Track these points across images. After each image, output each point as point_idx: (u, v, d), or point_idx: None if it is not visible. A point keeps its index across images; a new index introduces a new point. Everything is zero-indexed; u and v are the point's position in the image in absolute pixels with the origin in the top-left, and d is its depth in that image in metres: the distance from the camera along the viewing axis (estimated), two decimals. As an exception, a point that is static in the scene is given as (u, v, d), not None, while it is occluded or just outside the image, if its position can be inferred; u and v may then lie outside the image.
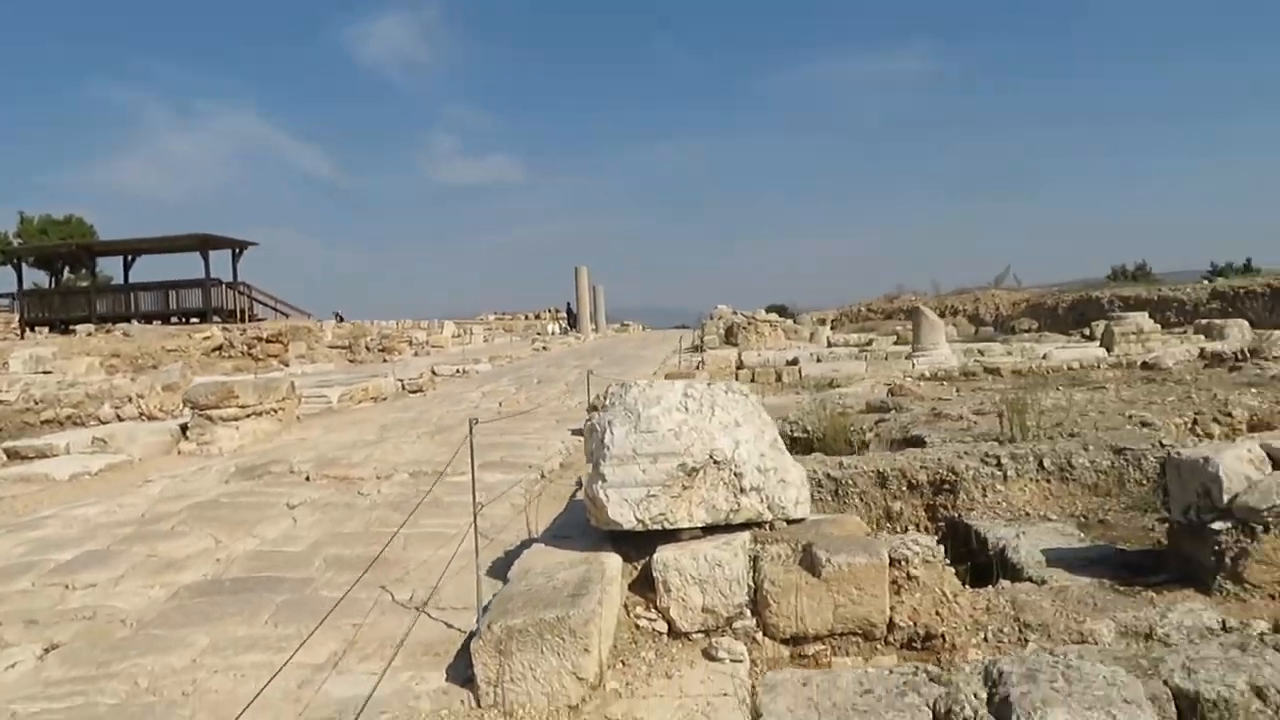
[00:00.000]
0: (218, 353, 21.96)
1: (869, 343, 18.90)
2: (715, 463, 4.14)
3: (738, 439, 4.24)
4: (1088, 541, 5.26)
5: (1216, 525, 4.09)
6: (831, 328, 26.62)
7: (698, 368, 13.45)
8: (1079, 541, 5.24)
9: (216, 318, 27.22)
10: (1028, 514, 5.96)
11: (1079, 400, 9.22)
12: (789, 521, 4.41)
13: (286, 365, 20.85)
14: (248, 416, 9.81)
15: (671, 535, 4.19)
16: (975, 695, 2.29)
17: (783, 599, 4.02)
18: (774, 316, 21.25)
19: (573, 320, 39.84)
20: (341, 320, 29.12)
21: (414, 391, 14.53)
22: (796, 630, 4.01)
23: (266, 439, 9.79)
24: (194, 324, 26.44)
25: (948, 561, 4.44)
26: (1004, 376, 12.16)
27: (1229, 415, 8.02)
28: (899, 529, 6.31)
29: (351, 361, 23.09)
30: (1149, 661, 2.81)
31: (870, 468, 6.32)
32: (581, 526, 4.55)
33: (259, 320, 28.12)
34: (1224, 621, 3.79)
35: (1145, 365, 12.19)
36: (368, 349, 24.45)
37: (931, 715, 2.32)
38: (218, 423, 9.48)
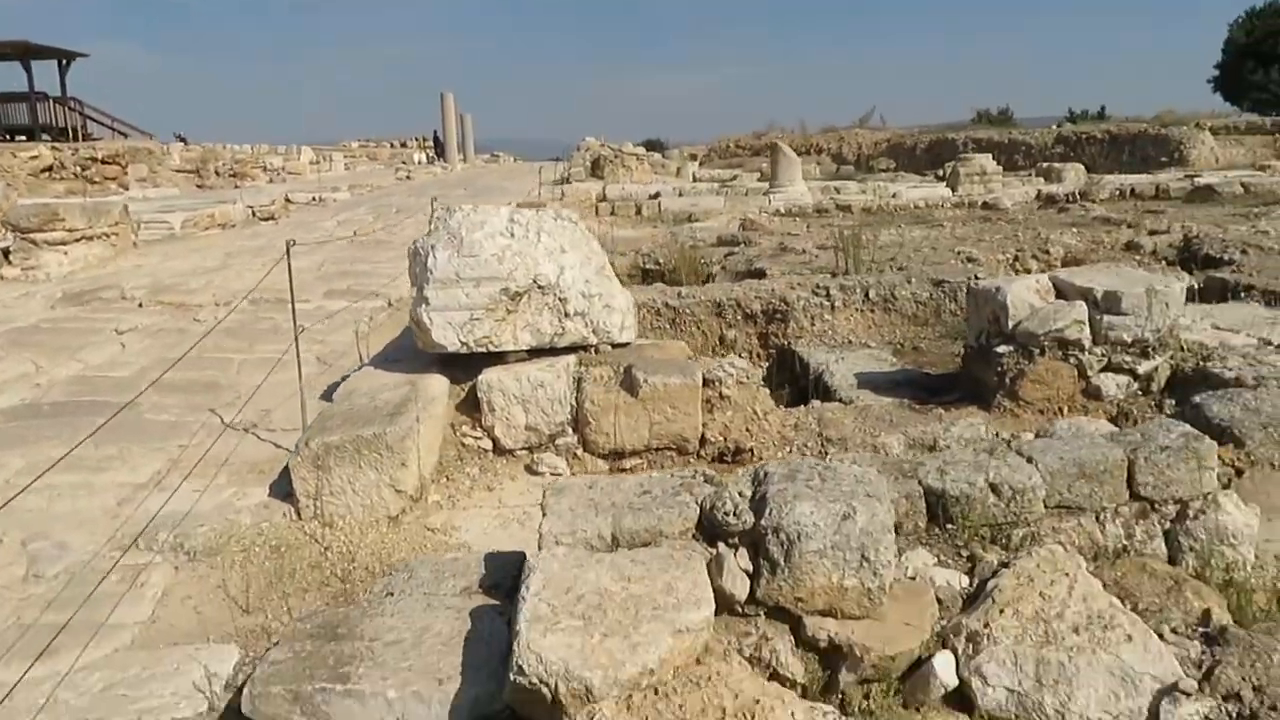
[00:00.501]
0: (47, 174, 20.39)
1: (733, 179, 19.05)
2: (539, 288, 4.23)
3: (563, 265, 4.32)
4: (899, 366, 5.64)
5: (1001, 349, 4.47)
6: (700, 164, 26.60)
7: (559, 200, 13.35)
8: (890, 366, 5.63)
9: (45, 136, 25.05)
10: (851, 341, 6.33)
11: (916, 237, 9.64)
12: (614, 345, 4.58)
13: (126, 189, 19.59)
14: (77, 241, 9.29)
15: (498, 358, 4.30)
16: (740, 494, 2.52)
17: (603, 417, 4.23)
18: (641, 151, 21.09)
19: (440, 150, 38.48)
20: (186, 143, 27.24)
21: (265, 219, 13.97)
22: (615, 446, 4.24)
23: (99, 265, 9.33)
24: (19, 142, 24.30)
25: (761, 383, 4.74)
26: (854, 214, 12.54)
27: (1046, 253, 8.55)
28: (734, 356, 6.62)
29: (200, 187, 21.85)
30: (911, 465, 3.12)
31: (707, 297, 6.54)
32: (412, 351, 4.61)
33: (94, 140, 26.02)
34: (996, 434, 4.21)
35: (985, 205, 12.75)
36: (218, 174, 23.12)
37: (697, 510, 2.56)
38: (43, 247, 8.97)
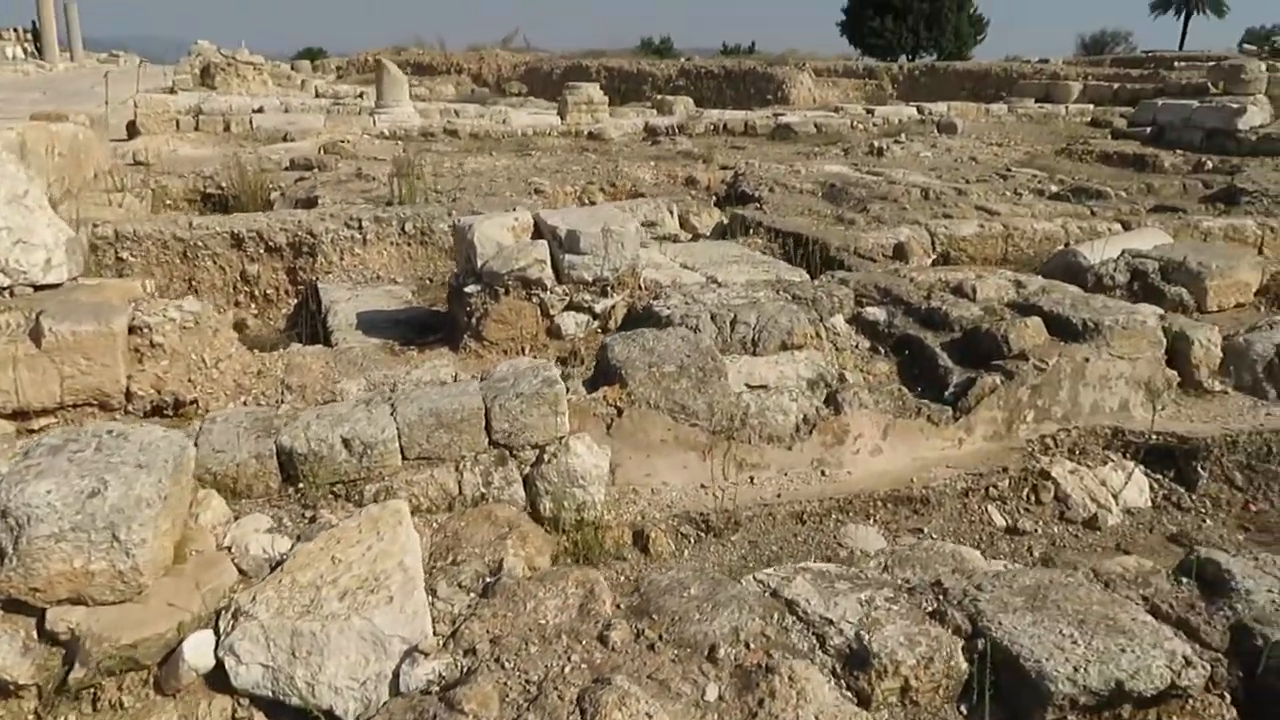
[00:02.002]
0: None
1: (359, 95, 18.08)
2: (-95, 223, 3.59)
3: (-56, 196, 3.69)
4: (413, 304, 5.51)
5: (469, 288, 4.44)
6: (339, 78, 25.08)
7: (131, 110, 11.89)
8: (404, 304, 5.48)
9: None
10: (380, 277, 6.11)
11: (500, 166, 9.58)
12: (37, 288, 4.04)
13: None
14: None
15: None
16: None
17: (2, 373, 3.71)
18: (259, 60, 19.37)
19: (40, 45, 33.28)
20: None
21: None
22: (19, 405, 3.75)
23: None
24: None
25: (216, 327, 4.39)
26: (460, 139, 12.30)
27: (614, 185, 8.80)
28: (256, 293, 6.19)
29: None
30: (280, 421, 2.97)
31: (224, 229, 6.03)
32: None
33: None
34: (456, 375, 4.18)
35: (591, 135, 13.00)
36: None
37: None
38: None
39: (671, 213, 7.21)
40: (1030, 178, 9.34)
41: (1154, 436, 3.86)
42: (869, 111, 14.77)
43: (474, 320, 4.41)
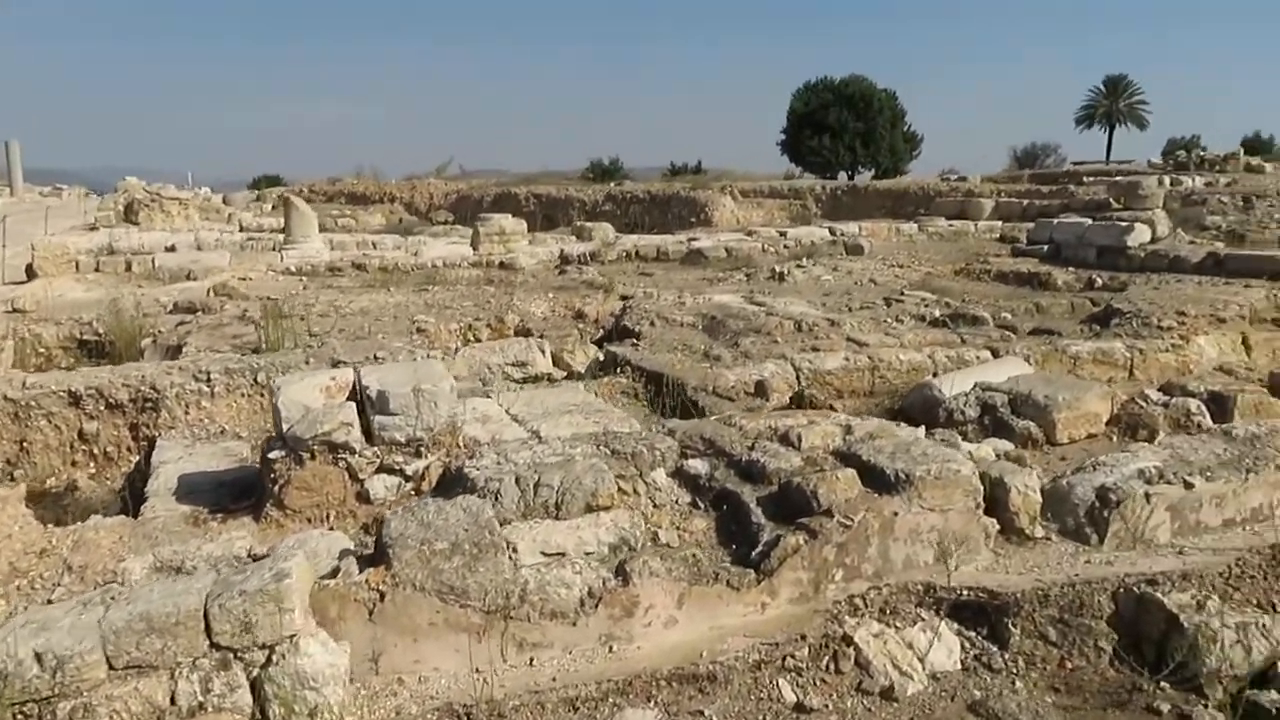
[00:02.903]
0: None
1: (282, 229, 18.16)
2: None
3: None
4: (247, 462, 5.31)
5: (273, 454, 4.27)
6: (274, 208, 25.28)
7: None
8: (237, 463, 5.27)
9: None
10: (225, 431, 5.92)
11: (390, 303, 9.52)
12: None
13: None
14: None
15: None
16: None
17: None
18: (185, 195, 19.49)
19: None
20: None
21: None
22: None
23: None
24: None
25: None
26: (368, 273, 12.29)
27: (502, 321, 8.75)
28: (95, 450, 5.97)
29: None
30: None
31: (61, 387, 5.84)
32: None
33: None
34: (251, 548, 3.97)
35: (502, 265, 13.06)
36: None
37: None
38: None
39: (543, 352, 7.15)
40: (919, 301, 9.45)
41: (965, 593, 3.73)
42: (782, 234, 15.05)
43: (277, 487, 4.23)
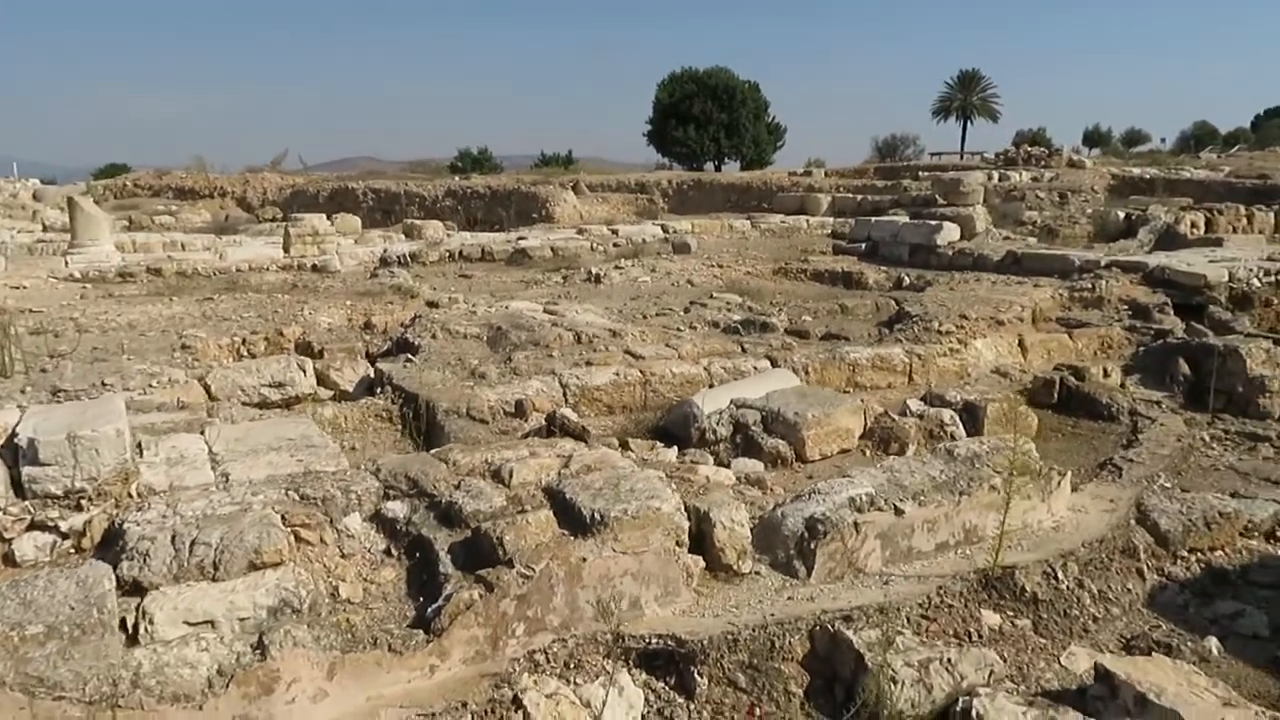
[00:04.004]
0: None
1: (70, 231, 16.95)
2: None
3: None
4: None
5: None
6: (97, 201, 23.67)
7: None
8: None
9: None
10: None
11: (166, 315, 8.87)
12: None
13: None
14: None
15: None
16: None
17: None
18: (-17, 190, 18.00)
19: None
20: None
21: None
22: None
23: None
24: None
25: None
26: (164, 277, 11.50)
27: (281, 334, 8.24)
28: None
29: None
30: None
31: None
32: None
33: None
34: None
35: (315, 268, 12.44)
36: None
37: None
38: None
39: (305, 371, 6.70)
40: (724, 305, 9.37)
41: (654, 640, 3.55)
42: (614, 232, 14.85)
43: (-97, 553, 3.72)
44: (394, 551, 3.91)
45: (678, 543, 3.82)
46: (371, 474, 4.25)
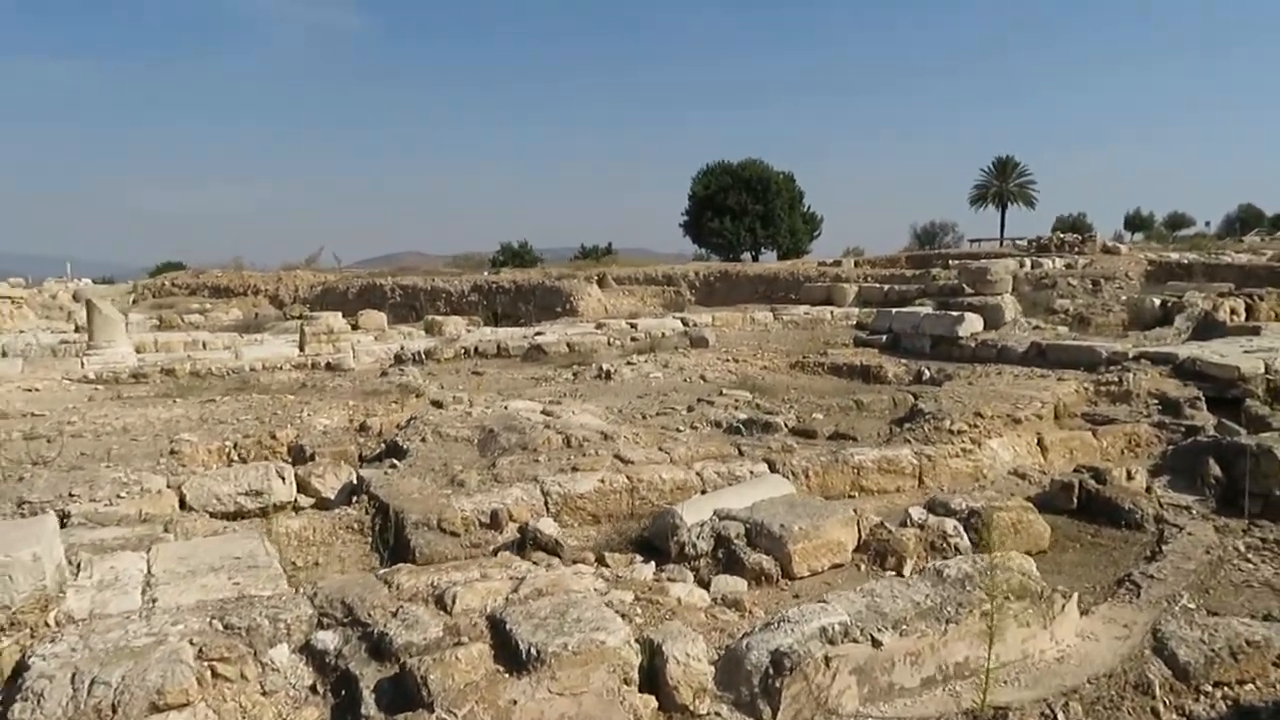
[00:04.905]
0: None
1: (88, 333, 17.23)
2: None
3: None
4: None
5: None
6: (134, 301, 24.20)
7: None
8: None
9: None
10: None
11: (164, 419, 8.77)
12: None
13: None
14: None
15: None
16: None
17: None
18: (20, 292, 18.44)
19: None
20: None
21: None
22: None
23: None
24: None
25: None
26: (177, 378, 11.51)
27: (274, 438, 8.08)
28: None
29: None
30: None
31: None
32: None
33: None
34: None
35: (330, 366, 12.40)
36: None
37: None
38: None
39: (283, 478, 6.49)
40: (732, 403, 9.06)
41: (589, 799, 3.17)
42: (632, 325, 14.70)
43: None
44: (320, 688, 3.60)
45: (626, 680, 3.46)
46: (308, 599, 3.97)
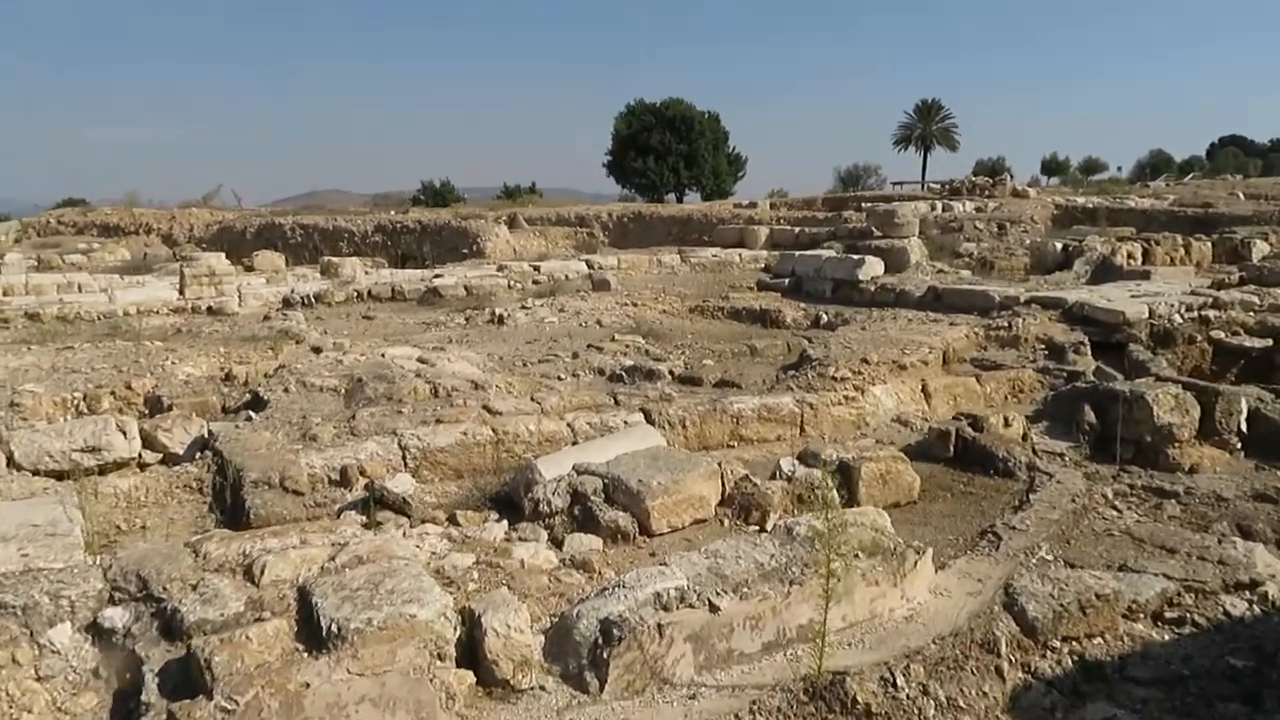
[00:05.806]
0: None
1: (-8, 268, 16.19)
2: None
3: None
4: None
5: None
6: (16, 240, 22.87)
7: None
8: None
9: None
10: None
11: (12, 367, 8.18)
12: None
13: None
14: None
15: None
16: None
17: None
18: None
19: None
20: None
21: None
22: None
23: None
24: None
25: None
26: (42, 322, 10.78)
27: (129, 388, 7.58)
28: None
29: None
30: None
31: None
32: None
33: None
34: None
35: (210, 310, 11.77)
36: None
37: None
38: None
39: (124, 432, 6.06)
40: (621, 349, 8.81)
41: (386, 786, 2.93)
42: (535, 268, 14.29)
43: None
44: (103, 671, 3.29)
45: (440, 657, 3.21)
46: (101, 572, 3.63)
